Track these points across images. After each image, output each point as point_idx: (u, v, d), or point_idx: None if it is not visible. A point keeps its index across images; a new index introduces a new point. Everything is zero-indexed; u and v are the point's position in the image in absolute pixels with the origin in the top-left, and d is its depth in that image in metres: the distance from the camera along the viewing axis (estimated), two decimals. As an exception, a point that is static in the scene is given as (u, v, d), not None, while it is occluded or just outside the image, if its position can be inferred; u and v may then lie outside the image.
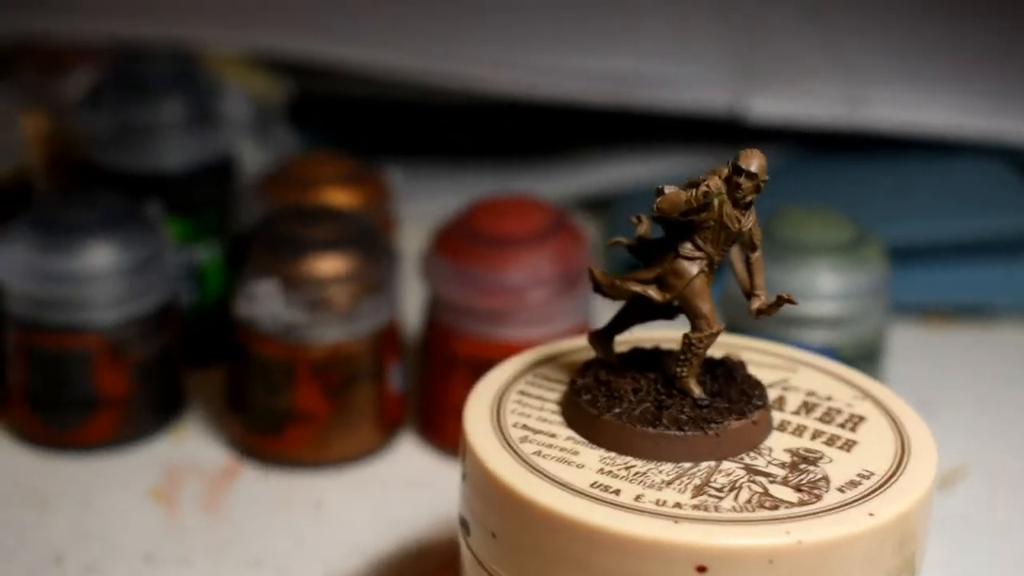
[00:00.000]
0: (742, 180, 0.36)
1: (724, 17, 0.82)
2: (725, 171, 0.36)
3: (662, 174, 0.75)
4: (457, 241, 0.53)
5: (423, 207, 0.70)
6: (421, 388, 0.55)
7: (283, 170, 0.61)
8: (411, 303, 0.60)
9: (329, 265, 0.52)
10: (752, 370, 0.39)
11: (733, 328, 0.53)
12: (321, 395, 0.52)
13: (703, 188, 0.35)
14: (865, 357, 0.53)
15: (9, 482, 0.52)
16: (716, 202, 0.36)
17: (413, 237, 0.64)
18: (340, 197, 0.59)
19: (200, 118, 0.59)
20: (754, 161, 0.36)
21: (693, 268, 0.36)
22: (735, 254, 0.38)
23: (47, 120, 0.65)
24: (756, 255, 0.37)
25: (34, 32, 0.74)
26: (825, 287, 0.52)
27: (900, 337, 0.61)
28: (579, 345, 0.41)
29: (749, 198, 0.36)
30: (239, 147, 0.63)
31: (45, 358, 0.53)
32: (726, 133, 0.77)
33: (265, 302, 0.51)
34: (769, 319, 0.49)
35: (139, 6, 0.78)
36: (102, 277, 0.52)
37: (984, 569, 0.48)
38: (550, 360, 0.40)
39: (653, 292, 0.37)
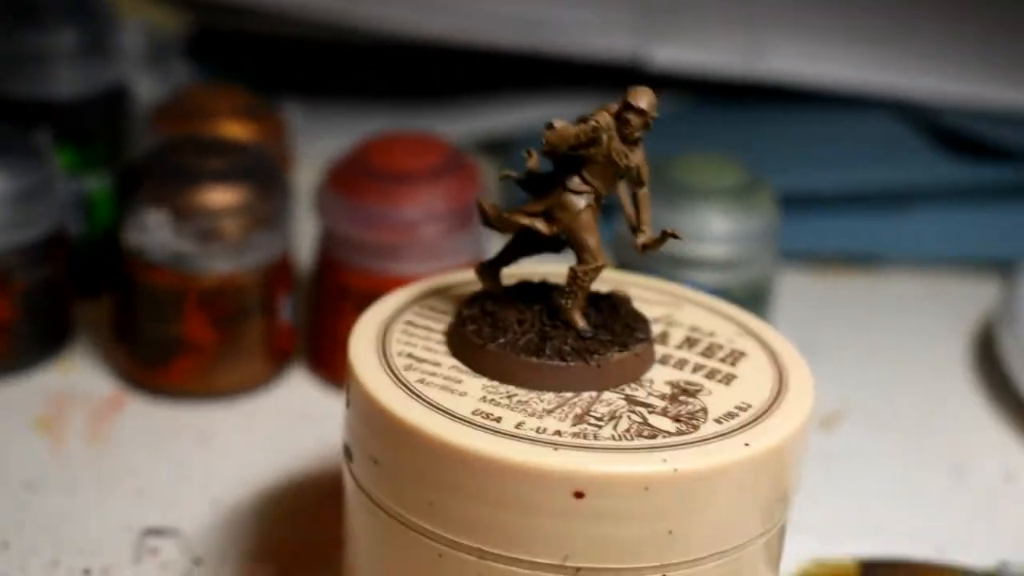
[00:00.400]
0: (631, 116, 0.36)
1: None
2: (615, 107, 0.36)
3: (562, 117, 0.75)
4: (351, 176, 0.53)
5: (321, 145, 0.70)
6: (312, 322, 0.55)
7: (178, 101, 0.60)
8: (305, 239, 0.59)
9: (221, 196, 0.51)
10: (637, 305, 0.39)
11: (624, 268, 0.53)
12: (210, 326, 0.52)
13: (592, 123, 0.36)
14: (753, 299, 0.54)
15: None
16: (604, 137, 0.36)
17: (310, 174, 0.64)
18: (236, 130, 0.58)
19: (94, 47, 0.58)
20: (643, 98, 0.36)
21: (581, 202, 0.36)
22: (623, 190, 0.38)
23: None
24: (643, 191, 0.37)
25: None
26: (716, 230, 0.53)
27: (789, 283, 0.62)
28: (468, 278, 0.41)
29: (638, 134, 0.36)
30: (134, 78, 0.63)
31: (-72, 284, 0.52)
32: (628, 80, 0.77)
33: (155, 231, 0.51)
34: (661, 260, 0.50)
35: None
36: (-12, 203, 0.52)
37: (856, 505, 0.49)
38: (438, 292, 0.40)
39: (540, 225, 0.37)
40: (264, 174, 0.53)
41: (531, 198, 0.38)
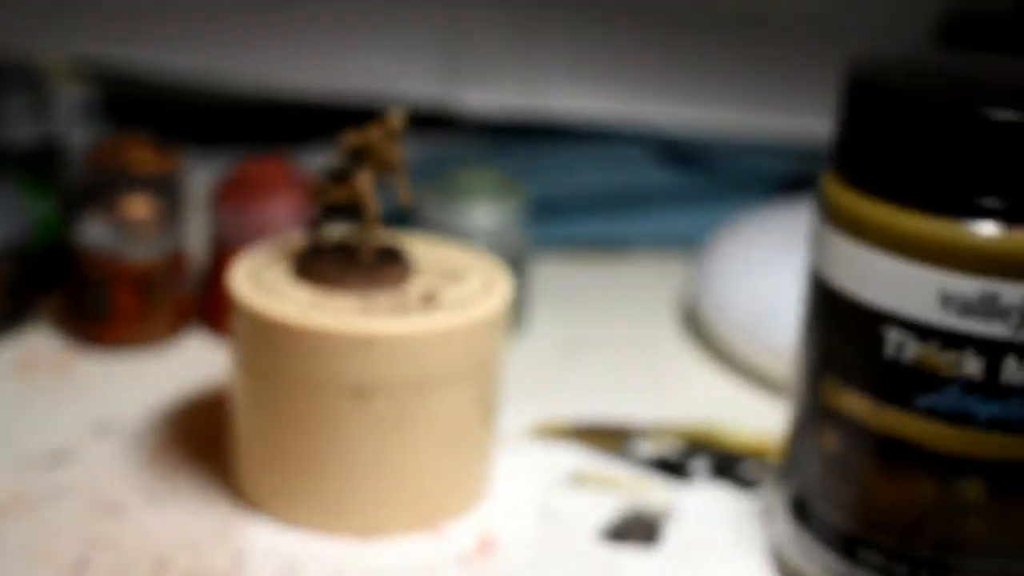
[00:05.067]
0: (391, 128, 0.60)
1: (438, 24, 1.07)
2: (381, 126, 0.60)
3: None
4: (230, 190, 0.77)
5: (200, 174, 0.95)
6: (205, 292, 0.79)
7: (101, 147, 0.83)
8: (193, 236, 0.83)
9: (140, 207, 0.75)
10: (405, 249, 0.63)
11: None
12: (133, 296, 0.75)
13: (366, 135, 0.60)
14: (513, 264, 0.78)
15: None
16: (376, 143, 0.60)
17: (199, 190, 0.88)
18: (145, 163, 0.82)
19: (38, 108, 0.82)
20: (397, 117, 0.60)
21: (364, 180, 0.61)
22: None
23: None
24: (401, 172, 0.61)
25: None
26: (482, 211, 0.77)
27: (552, 266, 0.87)
28: (299, 237, 0.65)
29: (396, 136, 0.60)
30: (69, 130, 0.86)
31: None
32: (439, 123, 1.02)
33: (94, 233, 0.74)
34: (451, 233, 0.74)
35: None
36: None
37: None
38: (282, 248, 0.64)
39: (337, 193, 0.61)
40: (168, 191, 0.76)
41: (335, 185, 0.62)
